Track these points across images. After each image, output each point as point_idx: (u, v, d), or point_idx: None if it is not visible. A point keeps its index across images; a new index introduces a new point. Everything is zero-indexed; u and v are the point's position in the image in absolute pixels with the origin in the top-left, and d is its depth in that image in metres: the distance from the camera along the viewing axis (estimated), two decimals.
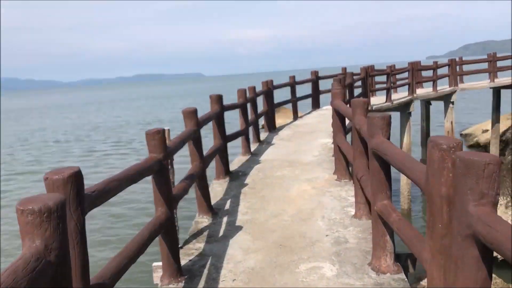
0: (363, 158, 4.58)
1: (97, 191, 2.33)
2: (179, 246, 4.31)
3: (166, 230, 3.62)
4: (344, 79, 11.15)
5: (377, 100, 16.40)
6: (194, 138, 5.06)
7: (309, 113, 14.78)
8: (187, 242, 4.56)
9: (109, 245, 11.26)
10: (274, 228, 4.76)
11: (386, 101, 15.82)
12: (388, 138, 3.49)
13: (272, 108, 11.71)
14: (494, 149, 22.53)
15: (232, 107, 7.61)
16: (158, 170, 3.54)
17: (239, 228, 4.82)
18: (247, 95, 9.07)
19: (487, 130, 27.57)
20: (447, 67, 20.15)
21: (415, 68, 17.70)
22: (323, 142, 9.56)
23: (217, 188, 6.37)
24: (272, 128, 11.73)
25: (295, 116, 13.48)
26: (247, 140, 8.65)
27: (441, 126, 28.78)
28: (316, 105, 15.52)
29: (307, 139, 10.10)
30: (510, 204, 13.16)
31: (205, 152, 5.89)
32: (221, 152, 6.70)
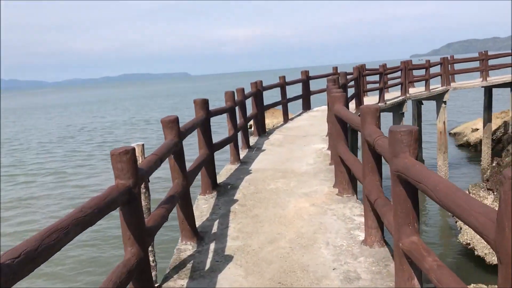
0: (375, 175, 3.88)
1: (22, 257, 1.56)
2: (157, 285, 3.56)
3: (138, 276, 2.86)
4: (338, 79, 10.47)
5: (369, 100, 15.77)
6: (175, 152, 4.30)
7: (300, 115, 14.08)
8: (166, 278, 3.79)
9: None
10: (270, 258, 4.02)
11: (379, 102, 15.20)
12: (416, 157, 2.78)
13: (261, 111, 10.98)
14: (486, 149, 22.10)
15: (219, 112, 6.86)
16: (127, 201, 2.78)
17: (229, 258, 4.08)
18: (235, 97, 8.33)
19: (477, 129, 27.19)
20: (439, 66, 19.63)
21: (407, 67, 17.13)
22: (318, 148, 8.86)
23: (203, 206, 5.61)
24: (262, 131, 11.00)
25: (286, 118, 12.77)
26: (235, 147, 7.90)
27: (432, 125, 28.41)
28: (307, 106, 14.82)
29: (300, 144, 9.38)
30: None
31: (189, 165, 5.15)
32: (208, 164, 5.95)
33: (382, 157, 3.51)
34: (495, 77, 21.61)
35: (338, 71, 14.26)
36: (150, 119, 43.38)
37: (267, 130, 11.45)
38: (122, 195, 2.69)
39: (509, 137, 17.42)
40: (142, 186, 3.88)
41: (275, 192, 5.95)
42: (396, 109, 16.52)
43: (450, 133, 29.41)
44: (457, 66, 21.77)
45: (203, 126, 5.87)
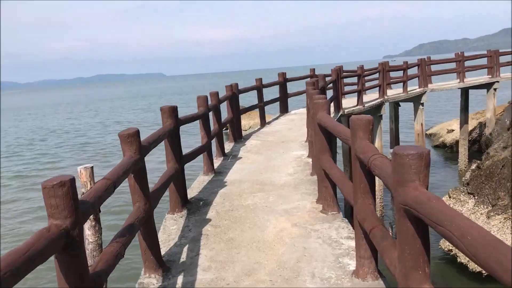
0: (369, 198, 3.33)
1: None
2: None
3: None
4: (317, 82, 9.96)
5: (347, 103, 15.35)
6: (136, 171, 3.67)
7: (277, 118, 13.54)
8: None
9: None
10: None
11: (357, 105, 14.80)
12: (427, 187, 2.24)
13: (238, 115, 10.38)
14: (463, 150, 22.04)
15: (190, 119, 6.23)
16: (64, 247, 2.16)
17: None
18: (209, 102, 7.73)
19: (452, 130, 27.19)
20: (416, 67, 19.40)
21: (385, 69, 16.79)
22: (297, 155, 8.32)
23: (172, 227, 4.97)
24: (238, 137, 10.41)
25: (263, 122, 12.20)
26: (209, 156, 7.29)
27: (409, 126, 28.30)
28: (284, 109, 14.30)
29: (279, 151, 8.83)
30: (492, 213, 12.34)
31: (155, 179, 4.53)
32: (177, 179, 5.32)
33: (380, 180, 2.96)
34: (471, 78, 21.56)
35: (315, 73, 13.78)
36: (124, 121, 42.32)
37: (243, 135, 10.87)
38: (55, 241, 2.07)
39: (487, 139, 17.29)
40: (91, 218, 3.25)
41: (253, 210, 5.36)
42: (374, 111, 16.16)
43: (426, 134, 29.40)
44: (433, 67, 21.65)
45: (171, 136, 5.25)
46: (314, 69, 15.90)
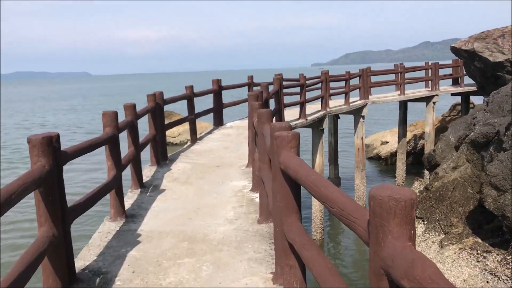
0: None
1: None
2: None
3: None
4: (262, 93, 8.24)
5: (288, 115, 13.80)
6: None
7: (211, 132, 11.64)
8: None
9: None
10: None
11: (300, 118, 13.31)
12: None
13: (162, 132, 8.40)
14: (401, 165, 21.37)
15: (85, 149, 4.19)
16: None
17: None
18: (126, 117, 5.74)
19: (386, 142, 26.70)
20: (357, 78, 18.34)
21: (328, 79, 15.47)
22: (237, 187, 6.52)
23: None
24: (163, 158, 8.41)
25: (194, 138, 10.25)
26: (119, 194, 5.28)
27: (347, 138, 27.55)
28: (219, 121, 12.45)
29: (214, 180, 6.97)
30: (446, 242, 11.21)
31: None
32: (55, 247, 3.31)
33: None
34: (410, 91, 20.96)
35: (261, 83, 12.10)
36: (46, 123, 38.69)
37: (169, 154, 8.88)
38: None
39: (431, 156, 16.50)
40: None
41: None
42: (316, 125, 14.81)
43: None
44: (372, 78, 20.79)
45: (47, 185, 3.24)
46: (252, 76, 14.20)
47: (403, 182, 21.04)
